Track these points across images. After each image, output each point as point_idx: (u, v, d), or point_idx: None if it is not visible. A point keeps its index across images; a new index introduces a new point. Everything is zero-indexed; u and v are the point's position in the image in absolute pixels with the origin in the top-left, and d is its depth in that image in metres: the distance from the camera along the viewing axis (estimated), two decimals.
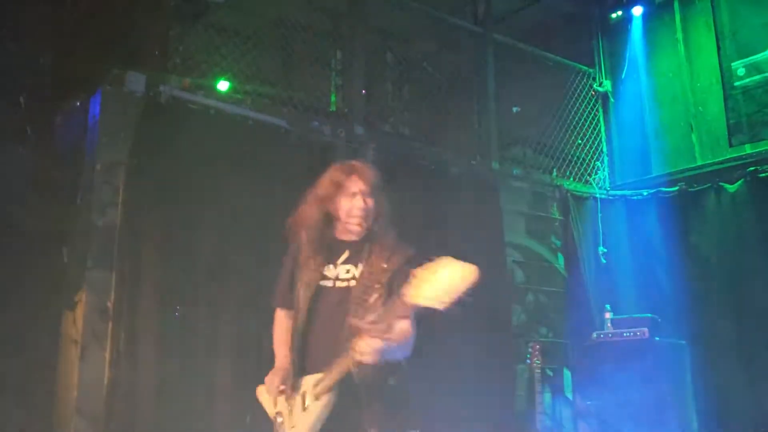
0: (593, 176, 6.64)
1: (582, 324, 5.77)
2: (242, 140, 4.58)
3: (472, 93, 6.15)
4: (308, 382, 2.50)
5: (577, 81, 6.73)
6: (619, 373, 5.25)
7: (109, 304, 3.96)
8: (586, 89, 6.79)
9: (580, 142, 6.61)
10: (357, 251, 2.58)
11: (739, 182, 5.86)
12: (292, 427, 2.49)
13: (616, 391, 5.21)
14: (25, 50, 4.03)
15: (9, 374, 3.77)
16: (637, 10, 6.73)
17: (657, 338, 5.40)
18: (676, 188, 6.24)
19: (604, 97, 6.87)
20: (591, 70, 6.88)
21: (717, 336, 5.63)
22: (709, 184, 6.03)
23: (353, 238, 2.60)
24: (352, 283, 2.53)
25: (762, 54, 5.88)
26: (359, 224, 2.58)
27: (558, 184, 6.36)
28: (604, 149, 6.78)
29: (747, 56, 5.97)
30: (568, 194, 6.36)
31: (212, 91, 4.64)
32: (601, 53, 6.97)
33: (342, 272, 2.56)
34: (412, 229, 3.59)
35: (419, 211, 5.09)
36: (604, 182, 6.69)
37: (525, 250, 6.15)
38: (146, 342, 4.00)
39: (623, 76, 6.80)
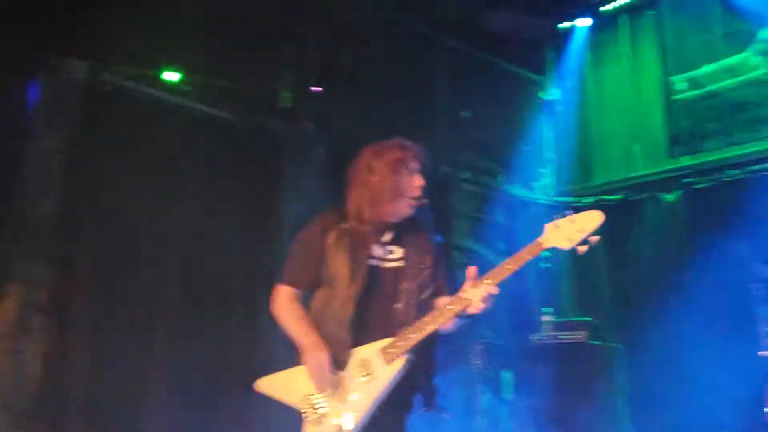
0: (538, 182, 6.76)
1: (523, 326, 5.88)
2: (188, 132, 4.52)
3: (423, 96, 6.19)
4: (365, 351, 2.43)
5: (525, 89, 6.86)
6: (557, 375, 5.37)
7: (43, 297, 3.84)
8: (535, 97, 6.92)
9: (527, 148, 6.73)
10: (399, 232, 2.59)
11: (677, 192, 6.07)
12: (344, 402, 2.39)
13: (554, 393, 5.32)
14: None
15: None
16: (585, 22, 6.89)
17: (594, 342, 5.54)
18: (618, 197, 6.42)
19: (551, 105, 7.02)
20: (540, 78, 7.02)
21: (652, 340, 5.78)
22: (648, 194, 6.23)
23: (394, 219, 2.58)
24: (401, 263, 2.56)
25: (702, 69, 6.08)
26: (416, 205, 2.57)
27: (504, 189, 6.46)
28: (550, 156, 6.92)
29: (688, 71, 6.17)
30: (514, 199, 6.47)
31: (157, 81, 4.55)
32: (550, 62, 7.11)
33: (387, 252, 2.56)
34: None
35: None
36: (549, 189, 6.82)
37: (470, 253, 6.21)
38: (80, 337, 3.90)
39: (570, 86, 6.95)
